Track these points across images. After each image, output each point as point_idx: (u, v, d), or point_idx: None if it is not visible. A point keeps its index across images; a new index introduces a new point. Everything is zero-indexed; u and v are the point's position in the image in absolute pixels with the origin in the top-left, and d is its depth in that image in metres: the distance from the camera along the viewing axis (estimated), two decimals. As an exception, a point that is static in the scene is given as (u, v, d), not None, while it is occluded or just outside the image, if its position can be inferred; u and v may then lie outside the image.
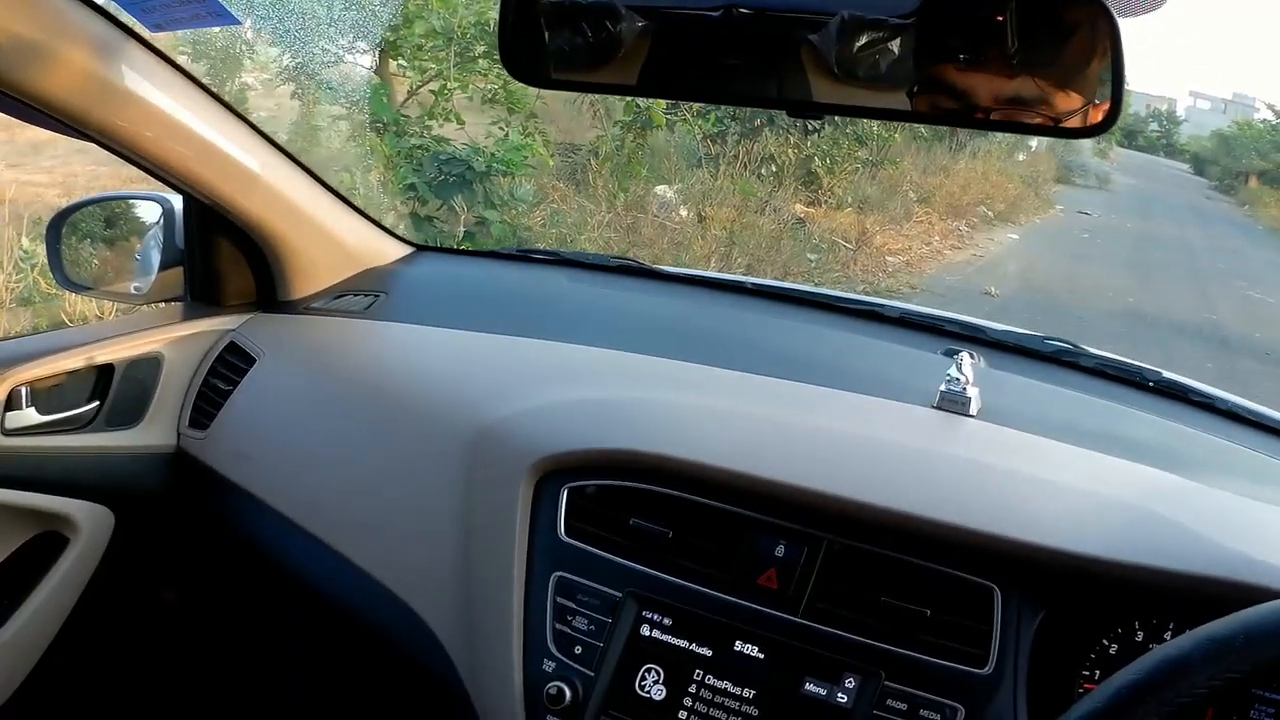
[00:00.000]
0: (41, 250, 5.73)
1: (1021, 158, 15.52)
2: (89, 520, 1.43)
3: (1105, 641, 0.93)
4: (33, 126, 1.27)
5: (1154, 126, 36.56)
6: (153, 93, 1.26)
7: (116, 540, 1.46)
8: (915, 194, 9.44)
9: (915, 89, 0.80)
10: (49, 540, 1.42)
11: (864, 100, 0.82)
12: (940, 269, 8.35)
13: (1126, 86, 0.77)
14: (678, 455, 1.05)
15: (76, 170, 7.34)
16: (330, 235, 1.59)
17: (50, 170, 7.48)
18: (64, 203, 1.61)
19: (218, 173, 1.38)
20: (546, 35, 0.89)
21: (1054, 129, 0.80)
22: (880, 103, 0.83)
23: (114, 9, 1.20)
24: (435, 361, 1.39)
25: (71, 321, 5.00)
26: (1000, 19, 0.75)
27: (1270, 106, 29.12)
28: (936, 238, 9.05)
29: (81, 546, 1.43)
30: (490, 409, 1.19)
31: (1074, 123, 0.78)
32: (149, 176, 1.39)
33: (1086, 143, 17.03)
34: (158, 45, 1.27)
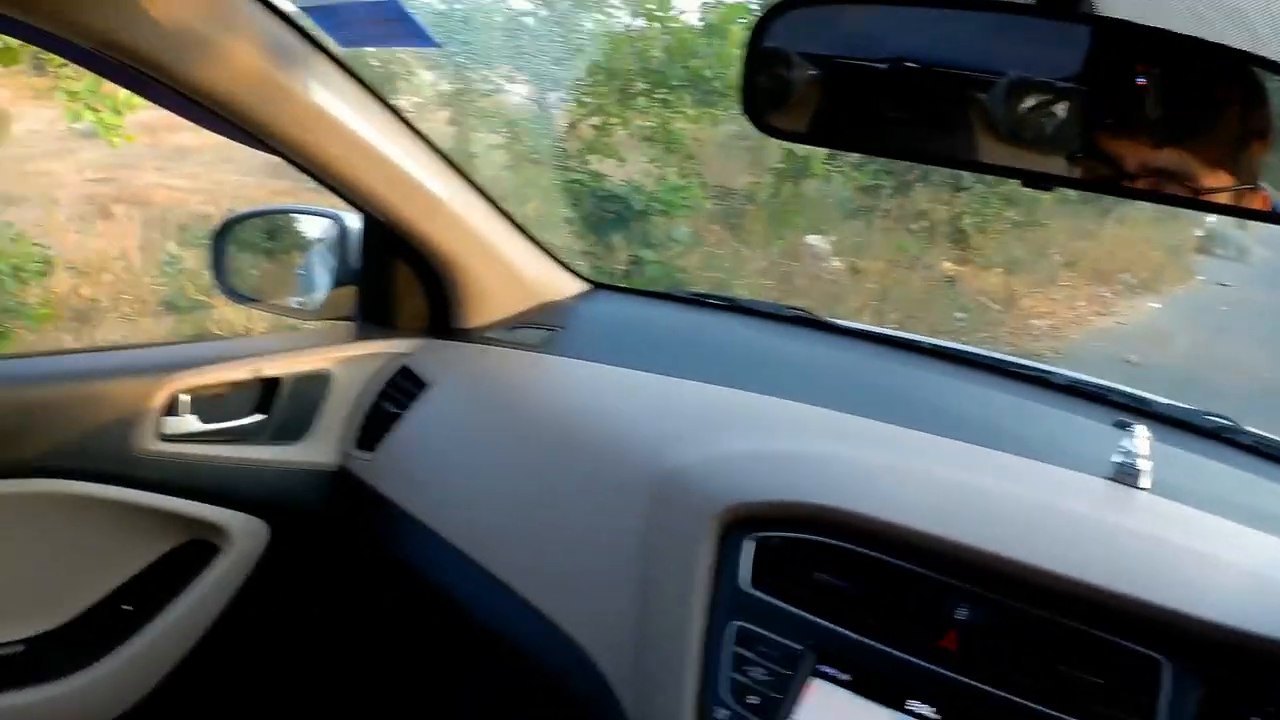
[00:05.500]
0: (187, 255, 5.91)
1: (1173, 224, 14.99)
2: (243, 531, 1.43)
3: None
4: (177, 132, 1.24)
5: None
6: (343, 110, 1.26)
7: (269, 554, 1.46)
8: (1061, 257, 9.23)
9: (1077, 153, 0.78)
10: (199, 548, 1.41)
11: (1027, 163, 0.81)
12: (1084, 334, 8.12)
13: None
14: (867, 513, 1.04)
15: (222, 179, 7.53)
16: (509, 265, 1.58)
17: (195, 176, 7.65)
18: (212, 210, 1.62)
19: (403, 195, 1.38)
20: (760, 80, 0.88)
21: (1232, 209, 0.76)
22: (1041, 166, 0.81)
23: (307, 24, 1.21)
24: (614, 401, 1.37)
25: (220, 330, 5.10)
26: (1145, 84, 0.73)
27: None
28: (1082, 303, 8.84)
29: (233, 557, 1.42)
30: (673, 454, 1.18)
31: (1233, 200, 0.74)
32: (313, 192, 1.39)
33: (1225, 211, 16.50)
34: (347, 63, 1.27)
